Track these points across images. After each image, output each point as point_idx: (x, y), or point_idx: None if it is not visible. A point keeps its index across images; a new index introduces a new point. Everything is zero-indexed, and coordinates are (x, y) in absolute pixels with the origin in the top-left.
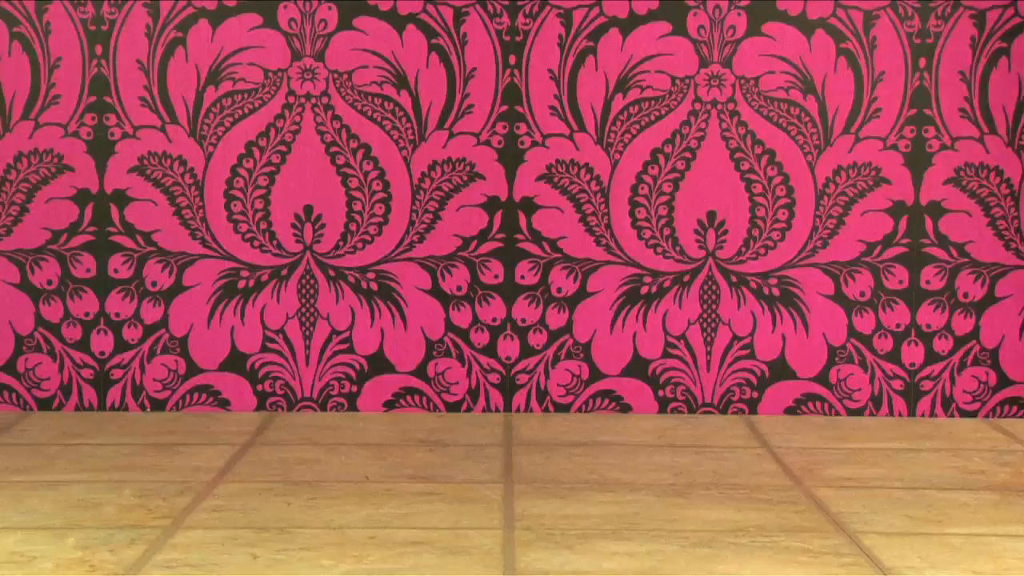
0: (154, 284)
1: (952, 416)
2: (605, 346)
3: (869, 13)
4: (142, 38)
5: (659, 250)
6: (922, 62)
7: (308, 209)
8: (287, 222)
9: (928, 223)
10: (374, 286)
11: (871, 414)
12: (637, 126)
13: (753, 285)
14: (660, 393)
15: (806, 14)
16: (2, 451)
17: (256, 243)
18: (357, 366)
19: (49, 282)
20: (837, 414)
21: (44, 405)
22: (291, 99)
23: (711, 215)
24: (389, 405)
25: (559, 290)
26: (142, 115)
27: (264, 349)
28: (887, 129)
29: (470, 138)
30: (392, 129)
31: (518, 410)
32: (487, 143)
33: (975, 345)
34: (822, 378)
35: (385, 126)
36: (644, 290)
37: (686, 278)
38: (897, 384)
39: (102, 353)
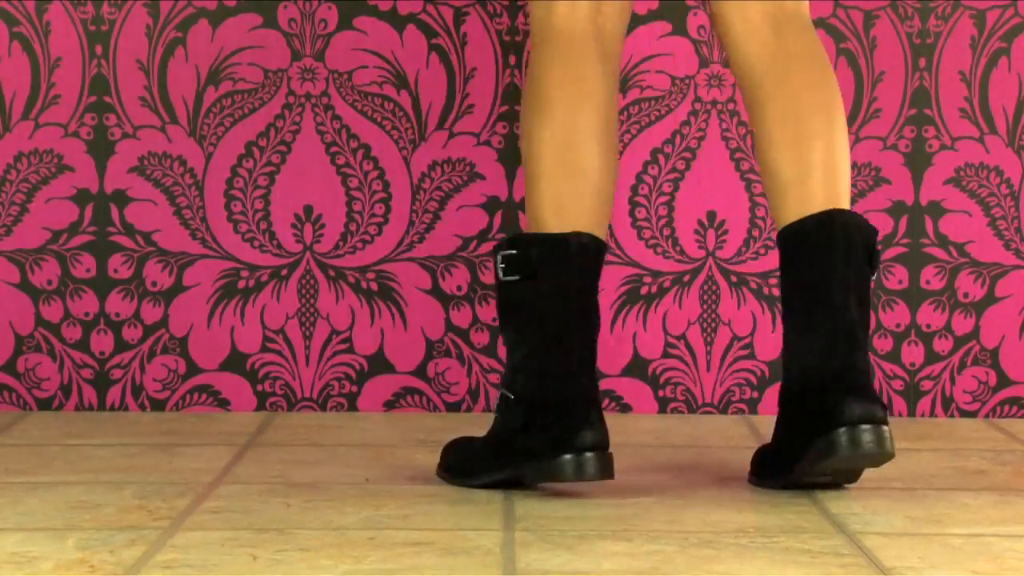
0: (154, 284)
1: (952, 416)
2: (605, 346)
3: (869, 13)
4: (142, 38)
5: (659, 250)
6: (922, 62)
7: (308, 209)
8: (287, 222)
9: (928, 223)
10: (374, 286)
11: None
12: (637, 126)
13: (753, 285)
14: (660, 393)
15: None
16: (1, 451)
17: (256, 243)
18: (357, 366)
19: (49, 282)
20: None
21: (44, 405)
22: (291, 99)
23: (711, 215)
24: (389, 405)
25: None
26: (142, 115)
27: (264, 349)
28: (887, 129)
29: (470, 138)
30: (392, 129)
31: None
32: (487, 143)
33: (975, 345)
34: None
35: (385, 126)
36: (644, 290)
37: (686, 278)
38: (897, 384)
39: (102, 353)
